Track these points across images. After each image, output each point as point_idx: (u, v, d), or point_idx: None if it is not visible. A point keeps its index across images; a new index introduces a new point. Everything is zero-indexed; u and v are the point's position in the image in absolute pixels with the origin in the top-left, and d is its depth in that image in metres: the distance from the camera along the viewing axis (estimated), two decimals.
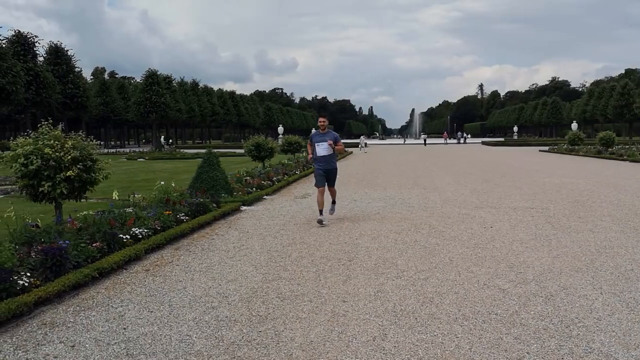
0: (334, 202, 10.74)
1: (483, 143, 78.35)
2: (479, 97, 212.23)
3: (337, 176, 10.78)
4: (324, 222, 9.79)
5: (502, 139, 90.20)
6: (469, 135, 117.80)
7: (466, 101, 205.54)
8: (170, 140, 78.53)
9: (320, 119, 10.34)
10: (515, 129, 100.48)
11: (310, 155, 10.39)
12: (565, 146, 42.94)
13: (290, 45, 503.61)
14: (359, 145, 54.67)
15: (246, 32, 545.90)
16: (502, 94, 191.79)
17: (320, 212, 9.98)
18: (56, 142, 7.53)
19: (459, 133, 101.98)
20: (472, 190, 15.16)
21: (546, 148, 49.64)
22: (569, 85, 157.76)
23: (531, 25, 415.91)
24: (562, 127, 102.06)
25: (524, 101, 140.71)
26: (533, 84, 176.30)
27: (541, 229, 9.12)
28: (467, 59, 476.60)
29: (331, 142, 10.08)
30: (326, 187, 10.33)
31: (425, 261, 6.92)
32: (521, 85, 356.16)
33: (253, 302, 5.34)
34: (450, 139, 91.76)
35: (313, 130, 10.32)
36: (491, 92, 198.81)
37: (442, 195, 14.21)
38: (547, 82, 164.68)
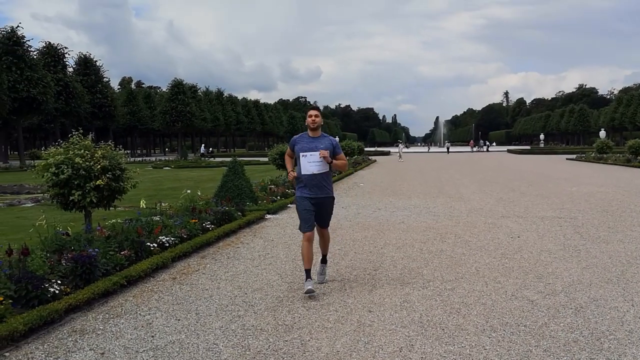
0: (324, 261, 6.61)
1: (509, 151, 77.49)
2: (505, 104, 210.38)
3: (334, 209, 6.65)
4: (314, 293, 5.87)
5: (528, 147, 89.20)
6: (494, 144, 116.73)
7: (491, 109, 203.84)
8: (211, 149, 79.50)
9: (311, 113, 6.29)
10: (542, 137, 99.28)
11: (292, 174, 6.22)
12: (593, 154, 42.24)
13: (315, 54, 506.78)
14: (398, 154, 53.13)
15: (271, 41, 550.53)
16: (528, 101, 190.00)
17: (308, 272, 6.02)
18: (86, 151, 7.68)
19: (481, 141, 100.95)
20: (498, 199, 15.01)
21: (573, 156, 48.92)
22: (597, 92, 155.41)
23: (558, 32, 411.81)
24: (590, 135, 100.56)
25: (550, 109, 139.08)
26: (560, 92, 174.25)
27: (570, 239, 8.98)
28: (493, 66, 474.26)
29: (326, 152, 6.04)
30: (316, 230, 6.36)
31: (452, 271, 6.87)
32: (548, 92, 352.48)
33: (279, 311, 5.36)
34: (476, 146, 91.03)
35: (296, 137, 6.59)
36: (517, 100, 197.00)
37: (468, 204, 14.09)
38: (574, 90, 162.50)
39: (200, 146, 73.44)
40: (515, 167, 33.85)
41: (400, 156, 51.23)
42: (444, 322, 4.97)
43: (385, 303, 5.58)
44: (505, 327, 4.81)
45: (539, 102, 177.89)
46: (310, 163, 6.02)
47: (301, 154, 6.07)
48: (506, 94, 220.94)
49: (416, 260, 7.51)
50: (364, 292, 6.01)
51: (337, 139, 6.78)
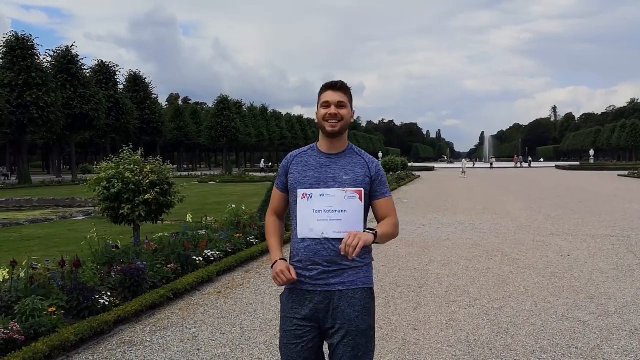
0: None
1: (557, 167, 75.58)
2: (552, 119, 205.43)
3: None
4: None
5: (577, 163, 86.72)
6: (542, 159, 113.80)
7: (539, 124, 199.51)
8: (270, 163, 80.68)
9: (330, 99, 2.68)
10: (592, 152, 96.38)
11: (286, 273, 2.59)
12: None
13: (358, 69, 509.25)
14: (461, 169, 51.96)
15: (314, 57, 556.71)
16: (577, 116, 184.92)
17: None
18: (136, 166, 7.88)
19: (521, 157, 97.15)
20: (546, 217, 14.63)
21: (625, 172, 47.27)
22: None
23: (609, 45, 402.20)
24: None
25: (600, 124, 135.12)
26: (610, 106, 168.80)
27: (622, 258, 8.67)
28: (540, 80, 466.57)
29: (359, 190, 2.62)
30: None
31: (499, 290, 6.71)
32: (597, 107, 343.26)
33: None
34: (522, 162, 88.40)
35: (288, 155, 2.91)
36: (565, 115, 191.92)
37: (515, 221, 13.79)
38: (626, 104, 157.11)
39: (261, 161, 74.82)
40: (564, 183, 32.96)
41: (463, 171, 49.63)
42: (492, 342, 4.85)
43: (431, 321, 5.49)
44: (555, 348, 4.66)
45: (588, 117, 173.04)
46: (321, 214, 2.61)
47: (300, 192, 2.68)
48: (554, 108, 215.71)
49: (462, 278, 7.38)
50: (409, 309, 5.93)
51: (379, 161, 3.24)
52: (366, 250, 2.65)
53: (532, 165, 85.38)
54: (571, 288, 6.76)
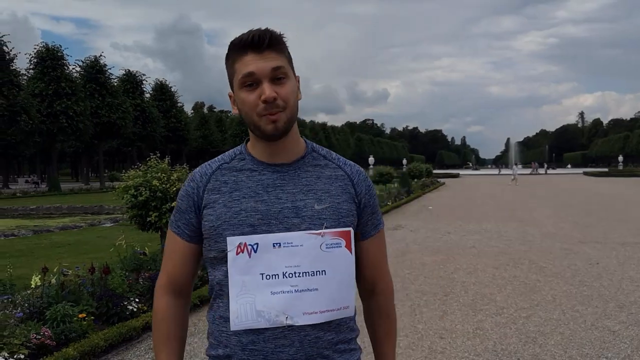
0: None
1: (585, 173, 74.32)
2: (580, 125, 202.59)
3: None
4: None
5: (605, 170, 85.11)
6: (569, 165, 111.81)
7: (566, 130, 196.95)
8: None
9: (255, 65, 1.32)
10: (620, 158, 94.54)
11: None
12: None
13: (381, 76, 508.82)
14: (512, 176, 50.23)
15: (337, 64, 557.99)
16: (605, 121, 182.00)
17: None
18: (163, 174, 7.98)
19: (536, 163, 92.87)
20: (574, 224, 14.41)
21: None
22: None
23: (637, 49, 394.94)
24: None
25: (629, 129, 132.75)
26: (639, 111, 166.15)
27: None
28: (566, 86, 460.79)
29: (345, 232, 1.39)
30: None
31: (526, 298, 6.64)
32: (626, 112, 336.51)
33: None
34: (537, 169, 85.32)
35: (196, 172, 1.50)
36: (593, 120, 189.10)
37: (542, 228, 13.61)
38: None
39: None
40: (592, 190, 32.43)
41: (514, 178, 47.44)
42: (519, 351, 4.80)
43: (457, 330, 5.46)
44: (584, 358, 4.60)
45: (616, 123, 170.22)
46: (277, 282, 1.34)
47: (233, 242, 1.35)
48: (581, 114, 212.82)
49: (488, 286, 7.32)
50: (435, 317, 5.90)
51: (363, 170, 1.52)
52: (350, 324, 1.49)
53: (548, 172, 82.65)
54: (600, 297, 6.65)
